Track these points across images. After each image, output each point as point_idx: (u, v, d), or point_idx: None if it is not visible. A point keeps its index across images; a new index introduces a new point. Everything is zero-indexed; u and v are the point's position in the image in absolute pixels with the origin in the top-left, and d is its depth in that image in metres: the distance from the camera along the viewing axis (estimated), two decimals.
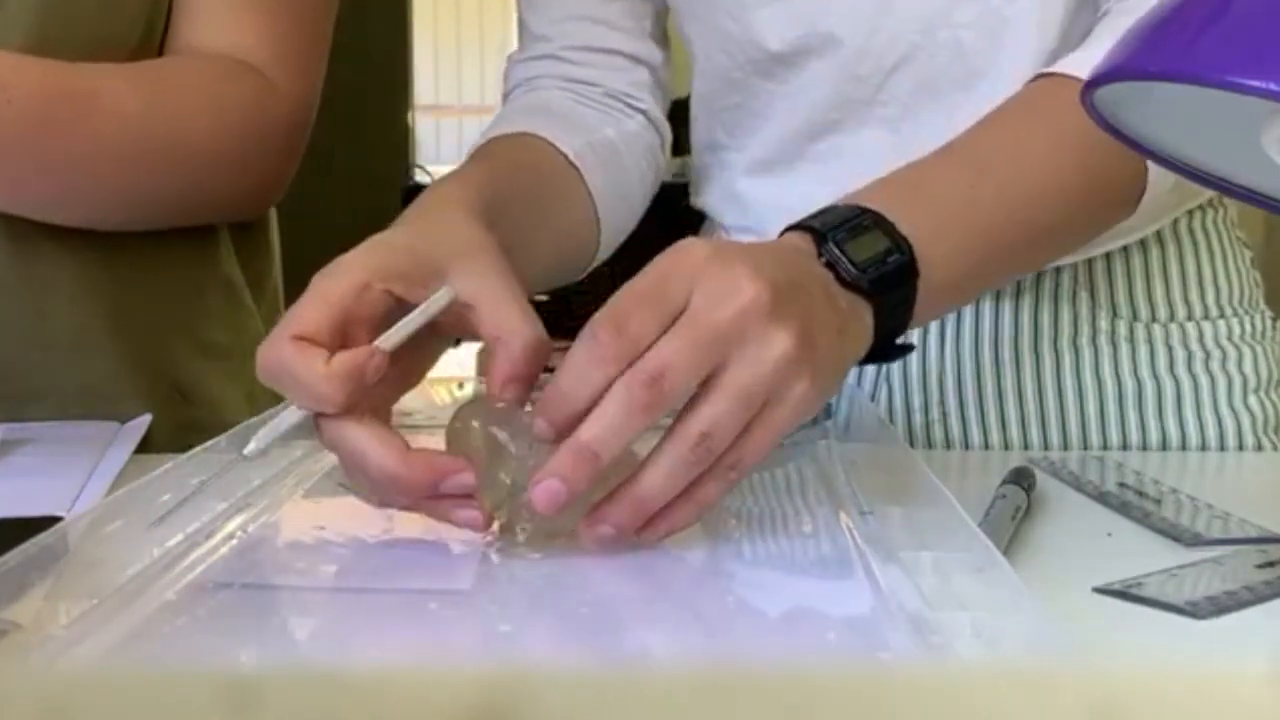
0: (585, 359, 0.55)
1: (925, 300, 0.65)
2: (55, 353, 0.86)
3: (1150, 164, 0.73)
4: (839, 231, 0.63)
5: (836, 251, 0.62)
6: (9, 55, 0.78)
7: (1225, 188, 0.59)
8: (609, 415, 0.55)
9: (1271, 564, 0.59)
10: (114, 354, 0.88)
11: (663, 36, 0.94)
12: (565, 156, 0.83)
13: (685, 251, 0.58)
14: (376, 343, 0.59)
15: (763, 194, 0.92)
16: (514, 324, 0.61)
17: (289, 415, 0.58)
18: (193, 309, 0.93)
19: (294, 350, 0.57)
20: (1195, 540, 0.63)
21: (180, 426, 0.86)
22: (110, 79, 0.82)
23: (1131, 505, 0.68)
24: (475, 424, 0.59)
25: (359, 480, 0.60)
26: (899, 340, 0.67)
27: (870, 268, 0.63)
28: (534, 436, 0.57)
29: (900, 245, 0.64)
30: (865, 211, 0.65)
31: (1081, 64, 0.73)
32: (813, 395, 0.58)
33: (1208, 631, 0.53)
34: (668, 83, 0.94)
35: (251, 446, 0.58)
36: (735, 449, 0.57)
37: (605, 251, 0.89)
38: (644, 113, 0.91)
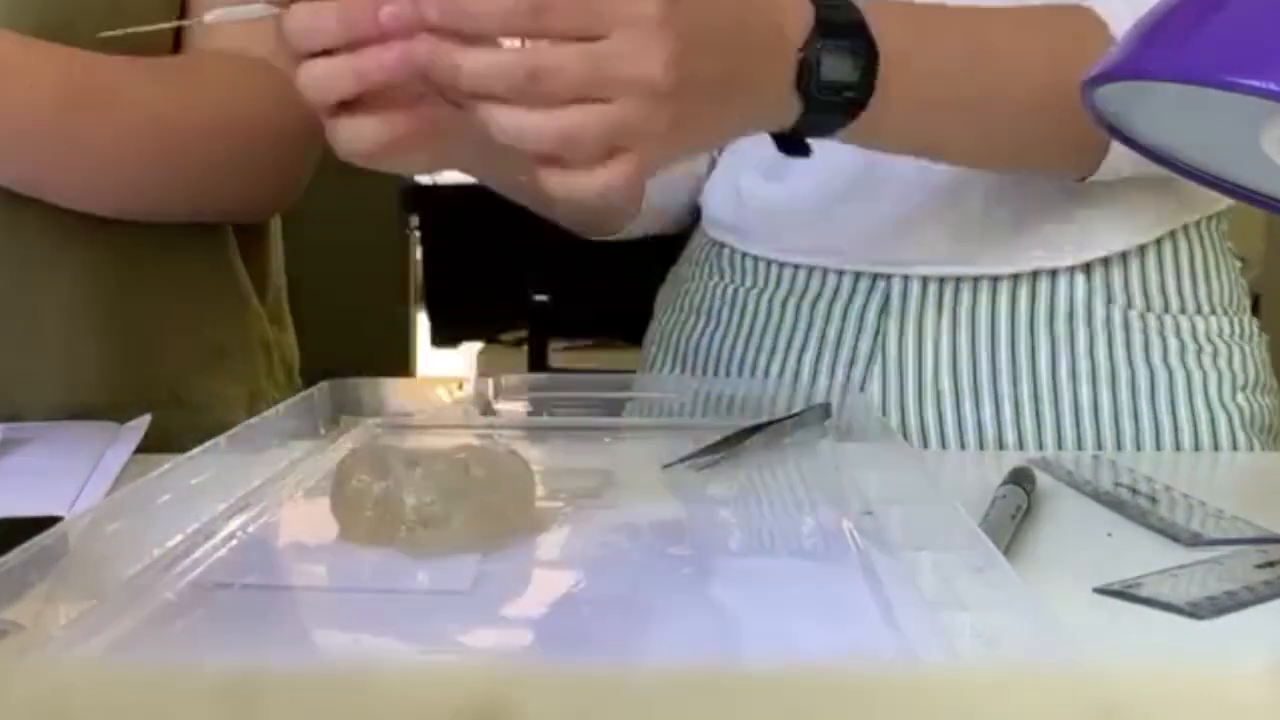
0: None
1: (860, 129, 0.69)
2: (47, 361, 0.86)
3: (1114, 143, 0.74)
4: (830, 40, 0.66)
5: (814, 58, 0.65)
6: (37, 43, 0.78)
7: (1225, 188, 0.59)
8: (486, 64, 0.56)
9: (1271, 564, 0.59)
10: (108, 362, 0.87)
11: None
12: None
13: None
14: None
15: (762, 193, 0.93)
16: None
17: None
18: (197, 309, 0.93)
19: None
20: (1195, 540, 0.63)
21: (176, 432, 0.86)
22: (133, 72, 0.82)
23: (1131, 505, 0.68)
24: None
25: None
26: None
27: (828, 90, 0.66)
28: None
29: (866, 80, 0.67)
30: (862, 34, 0.67)
31: None
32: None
33: (1208, 631, 0.53)
34: None
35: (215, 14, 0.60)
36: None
37: (641, 225, 0.97)
38: None
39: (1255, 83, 0.46)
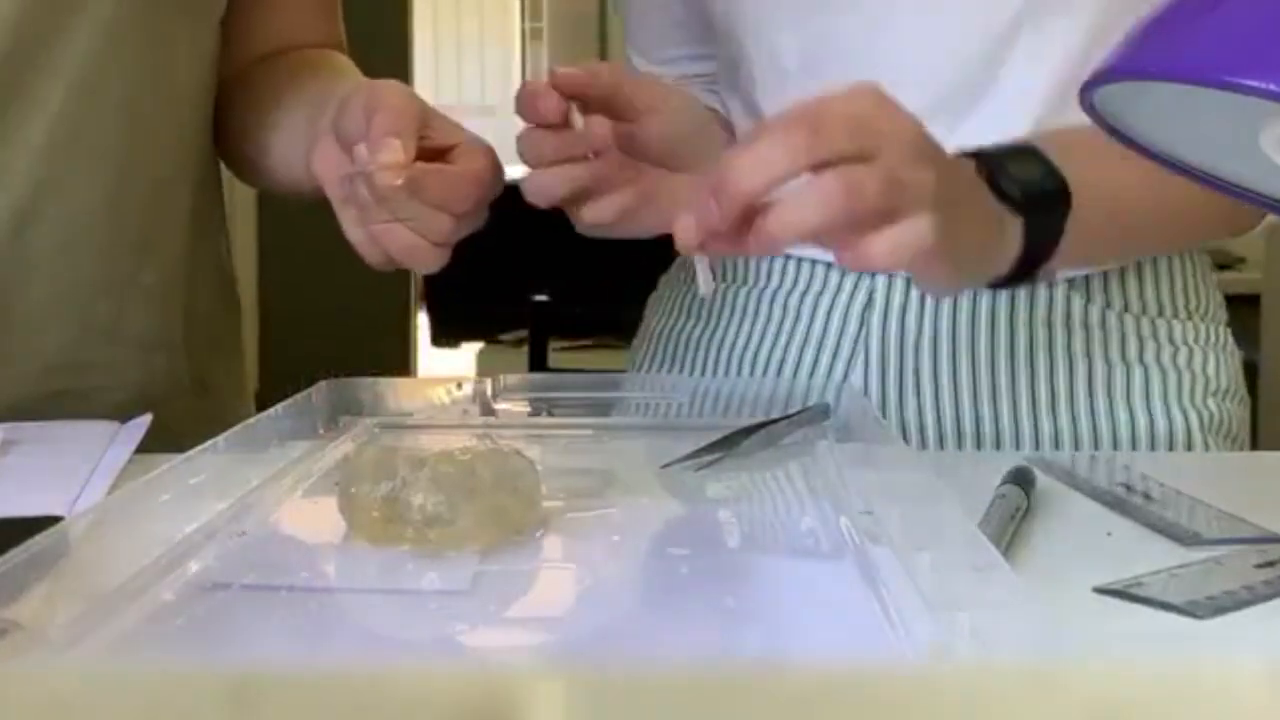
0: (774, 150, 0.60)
1: (1069, 240, 0.72)
2: (127, 349, 0.89)
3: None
4: (998, 155, 0.71)
5: (995, 162, 0.70)
6: None
7: (1225, 188, 0.59)
8: (802, 202, 0.60)
9: (1271, 564, 0.59)
10: (175, 351, 0.91)
11: None
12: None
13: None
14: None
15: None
16: None
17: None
18: (216, 295, 0.96)
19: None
20: (1195, 540, 0.63)
21: (198, 419, 0.88)
22: None
23: (1131, 505, 0.68)
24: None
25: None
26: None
27: (1025, 182, 0.70)
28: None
29: (1055, 173, 0.71)
30: (1026, 145, 0.72)
31: None
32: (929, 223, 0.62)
33: (1208, 631, 0.53)
34: None
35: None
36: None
37: None
38: None
39: (1255, 83, 0.46)
